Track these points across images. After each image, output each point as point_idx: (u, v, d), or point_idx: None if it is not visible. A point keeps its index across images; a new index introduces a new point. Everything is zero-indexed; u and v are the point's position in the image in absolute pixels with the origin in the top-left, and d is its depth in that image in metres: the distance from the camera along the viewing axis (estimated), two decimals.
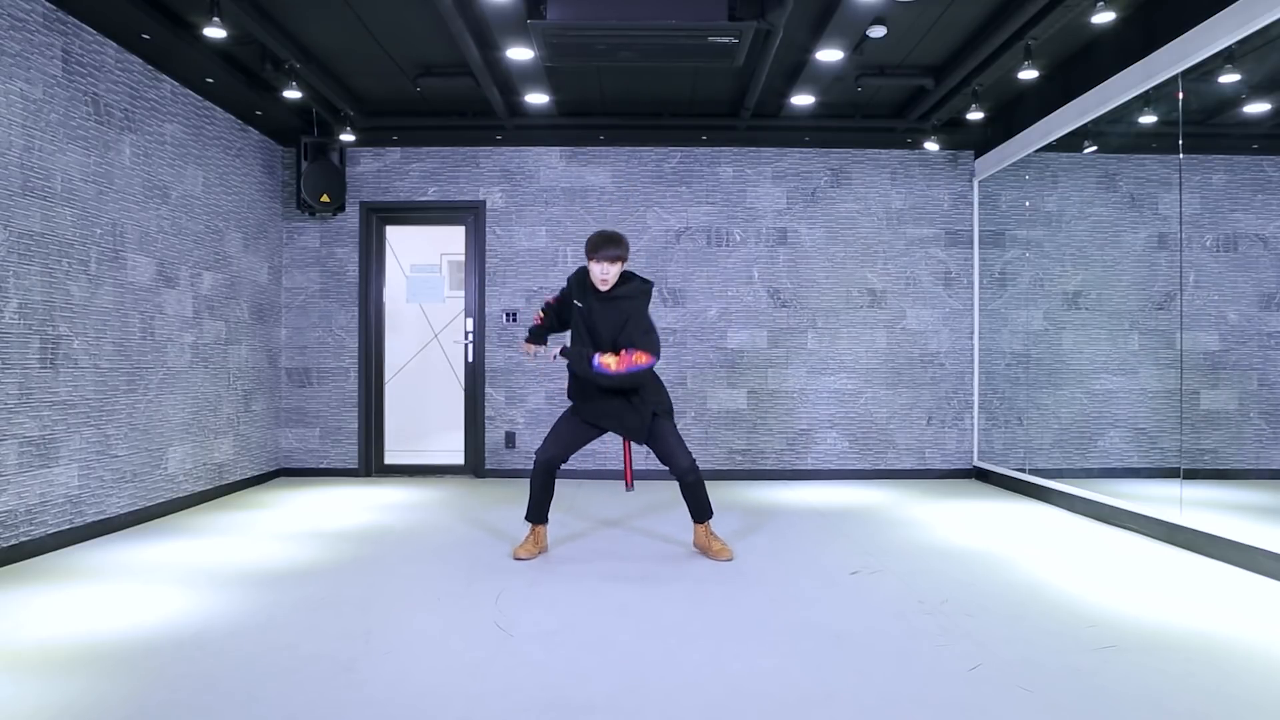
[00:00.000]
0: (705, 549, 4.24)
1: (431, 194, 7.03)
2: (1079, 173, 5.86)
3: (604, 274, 4.03)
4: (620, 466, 7.07)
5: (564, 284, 4.30)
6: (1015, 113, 6.25)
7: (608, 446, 6.93)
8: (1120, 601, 3.42)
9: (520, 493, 6.21)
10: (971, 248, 7.05)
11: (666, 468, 4.18)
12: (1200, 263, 5.03)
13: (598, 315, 4.07)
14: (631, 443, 4.29)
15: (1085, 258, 5.77)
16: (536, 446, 6.92)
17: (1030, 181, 6.21)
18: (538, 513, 4.24)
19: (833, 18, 4.61)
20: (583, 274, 4.16)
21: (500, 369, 7.00)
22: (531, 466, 4.30)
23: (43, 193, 4.21)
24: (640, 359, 3.99)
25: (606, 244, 4.03)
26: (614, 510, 5.49)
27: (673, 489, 6.04)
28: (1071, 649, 2.86)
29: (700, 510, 4.23)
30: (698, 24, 4.44)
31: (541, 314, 4.43)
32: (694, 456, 4.23)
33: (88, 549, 4.35)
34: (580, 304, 4.12)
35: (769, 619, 3.23)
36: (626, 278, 4.13)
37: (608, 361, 3.99)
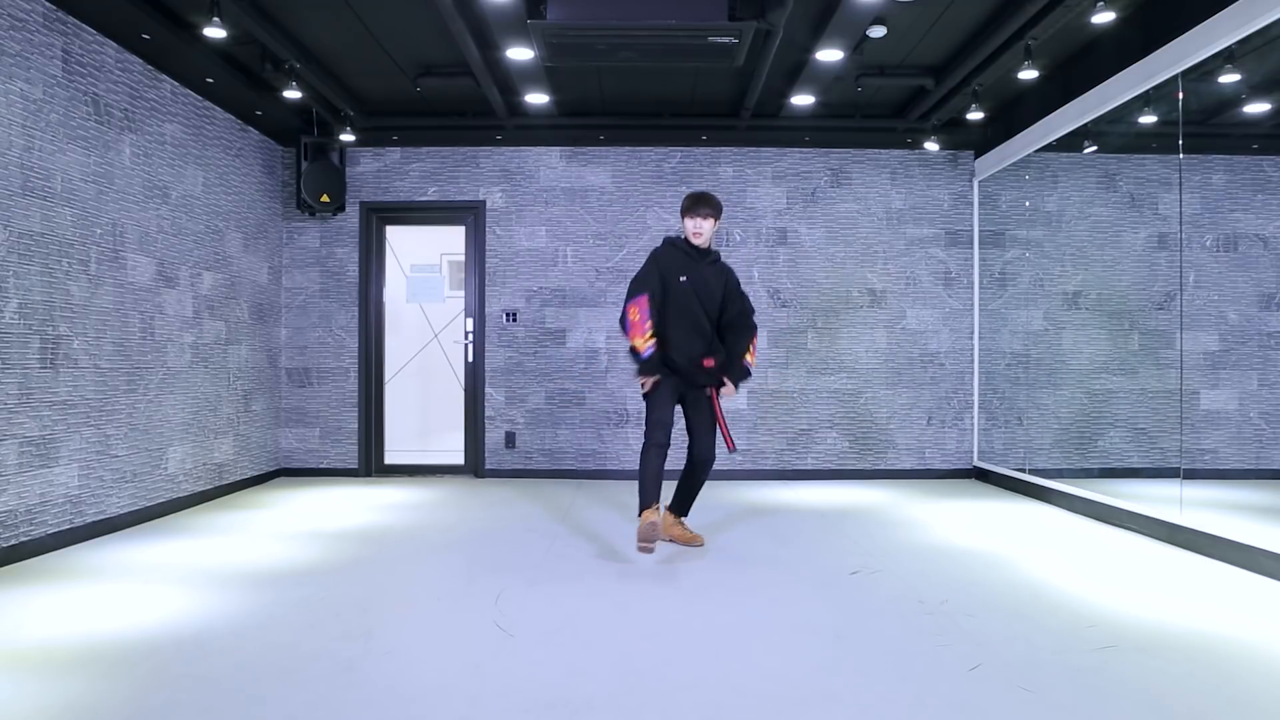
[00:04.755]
0: (674, 536, 4.46)
1: (431, 194, 7.03)
2: (1079, 173, 5.86)
3: (697, 228, 4.27)
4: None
5: (645, 275, 4.25)
6: (1015, 113, 6.25)
7: (607, 446, 6.94)
8: (1120, 601, 3.42)
9: (520, 492, 6.22)
10: (971, 248, 7.05)
11: (689, 442, 4.39)
12: (1200, 263, 5.03)
13: (708, 281, 4.29)
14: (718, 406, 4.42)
15: (1085, 258, 5.77)
16: (537, 446, 6.95)
17: (1030, 181, 6.21)
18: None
19: (833, 18, 4.61)
20: (668, 250, 4.31)
21: (500, 369, 7.00)
22: (646, 452, 4.22)
23: (43, 193, 4.21)
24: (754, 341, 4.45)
25: (702, 202, 4.29)
26: (613, 510, 5.48)
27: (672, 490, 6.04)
28: (1071, 649, 2.86)
29: (688, 504, 4.50)
30: (698, 24, 4.44)
31: (650, 329, 4.16)
32: None
33: (88, 549, 4.35)
34: (686, 278, 4.23)
35: (769, 619, 3.23)
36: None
37: (752, 359, 4.41)
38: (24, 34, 4.08)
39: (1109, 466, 5.56)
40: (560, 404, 6.98)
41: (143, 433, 5.05)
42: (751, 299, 7.13)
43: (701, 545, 4.43)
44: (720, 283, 4.34)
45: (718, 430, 4.35)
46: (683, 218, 4.33)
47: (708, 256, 4.34)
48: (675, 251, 4.30)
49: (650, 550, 4.05)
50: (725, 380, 4.30)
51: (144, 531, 4.80)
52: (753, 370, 4.44)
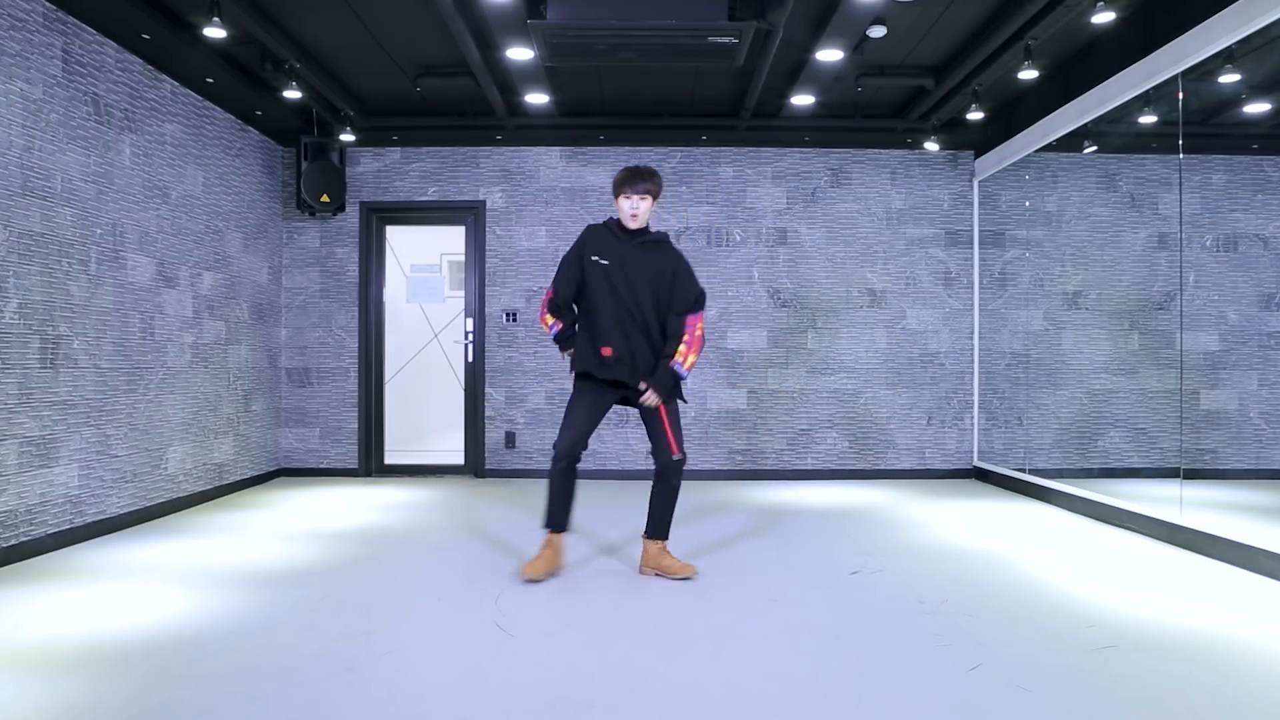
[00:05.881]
0: (659, 568, 3.79)
1: (431, 194, 7.03)
2: (1079, 173, 5.86)
3: (634, 209, 3.70)
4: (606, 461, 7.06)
5: (569, 252, 3.84)
6: (1015, 113, 6.24)
7: (607, 446, 6.94)
8: (1120, 601, 3.42)
9: (520, 492, 6.22)
10: (971, 248, 7.05)
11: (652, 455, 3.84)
12: (1200, 263, 5.03)
13: (632, 264, 3.69)
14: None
15: (1085, 258, 5.77)
16: (537, 446, 6.95)
17: (1030, 181, 6.21)
18: (560, 518, 3.76)
19: (833, 18, 4.61)
20: (596, 230, 3.81)
21: (500, 369, 7.00)
22: (549, 465, 3.78)
23: (43, 193, 4.21)
24: (699, 330, 3.75)
25: (637, 177, 3.71)
26: (612, 510, 5.48)
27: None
28: (1071, 649, 2.86)
29: (664, 524, 3.80)
30: (698, 24, 4.44)
31: (551, 315, 3.88)
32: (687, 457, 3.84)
33: (88, 549, 4.35)
34: (605, 260, 3.69)
35: (769, 619, 3.23)
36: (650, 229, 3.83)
37: (689, 361, 3.72)
38: (24, 34, 4.08)
39: (1109, 466, 5.56)
40: (560, 404, 6.97)
41: (143, 433, 5.05)
42: (750, 299, 7.13)
43: (693, 576, 3.75)
44: (654, 268, 3.72)
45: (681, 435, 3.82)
46: (616, 197, 3.74)
47: (637, 237, 3.74)
48: (604, 232, 3.79)
49: (535, 581, 3.66)
50: (644, 382, 3.69)
51: (144, 531, 4.80)
52: (684, 375, 3.74)
